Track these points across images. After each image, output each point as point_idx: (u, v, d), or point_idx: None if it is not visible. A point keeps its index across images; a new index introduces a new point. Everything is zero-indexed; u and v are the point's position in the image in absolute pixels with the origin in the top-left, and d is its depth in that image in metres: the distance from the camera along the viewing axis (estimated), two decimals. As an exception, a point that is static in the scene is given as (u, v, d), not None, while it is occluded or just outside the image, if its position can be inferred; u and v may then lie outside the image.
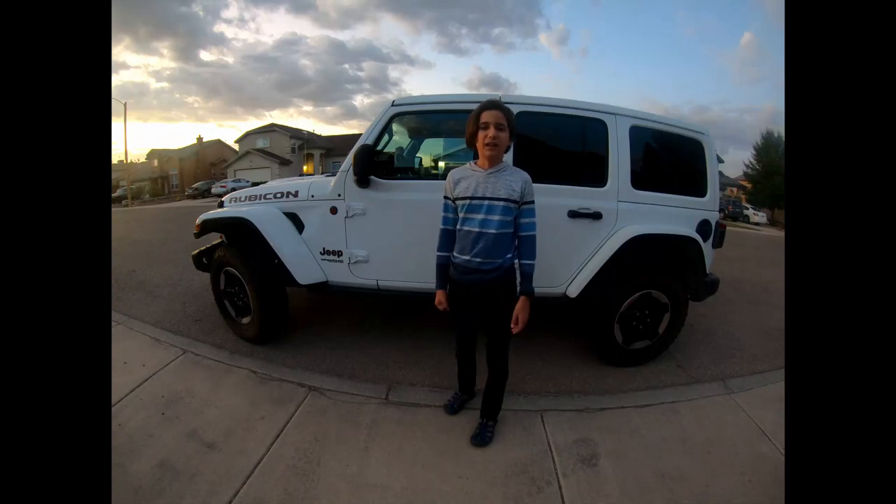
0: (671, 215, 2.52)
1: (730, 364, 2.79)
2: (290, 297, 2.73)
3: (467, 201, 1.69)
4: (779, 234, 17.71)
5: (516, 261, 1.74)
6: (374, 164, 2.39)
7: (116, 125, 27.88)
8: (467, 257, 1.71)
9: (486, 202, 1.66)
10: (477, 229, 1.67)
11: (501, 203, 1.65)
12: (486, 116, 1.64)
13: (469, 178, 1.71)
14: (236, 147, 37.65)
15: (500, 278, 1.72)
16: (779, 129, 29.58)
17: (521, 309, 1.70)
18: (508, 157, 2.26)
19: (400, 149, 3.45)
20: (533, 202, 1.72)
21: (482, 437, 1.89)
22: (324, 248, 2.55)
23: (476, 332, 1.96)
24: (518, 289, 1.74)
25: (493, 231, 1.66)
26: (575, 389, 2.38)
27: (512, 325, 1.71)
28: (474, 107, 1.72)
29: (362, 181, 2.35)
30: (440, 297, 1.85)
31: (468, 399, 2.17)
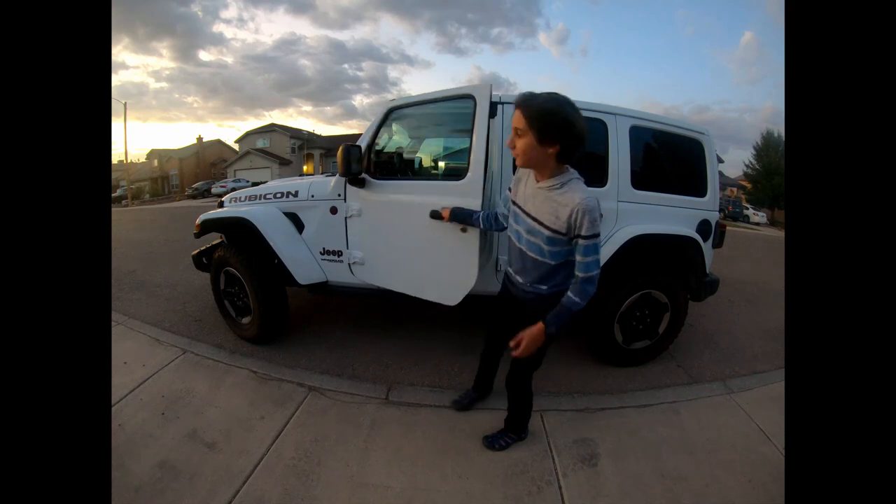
0: (671, 215, 2.52)
1: (730, 364, 2.79)
2: (290, 297, 2.73)
3: (515, 208, 1.49)
4: (779, 234, 17.71)
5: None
6: (363, 163, 2.32)
7: (116, 125, 27.91)
8: (511, 271, 1.58)
9: (529, 220, 1.42)
10: (519, 245, 1.49)
11: (544, 230, 1.38)
12: (513, 119, 1.35)
13: (525, 182, 1.46)
14: (236, 147, 37.65)
15: (534, 301, 1.50)
16: (779, 129, 29.62)
17: (529, 333, 1.41)
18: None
19: (400, 148, 3.44)
20: (593, 236, 1.31)
21: (492, 442, 1.86)
22: (324, 248, 2.55)
23: (504, 341, 1.70)
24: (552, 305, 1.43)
25: (533, 256, 1.44)
26: (575, 389, 2.38)
27: (511, 343, 1.45)
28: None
29: (354, 180, 2.34)
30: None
31: (479, 399, 2.15)
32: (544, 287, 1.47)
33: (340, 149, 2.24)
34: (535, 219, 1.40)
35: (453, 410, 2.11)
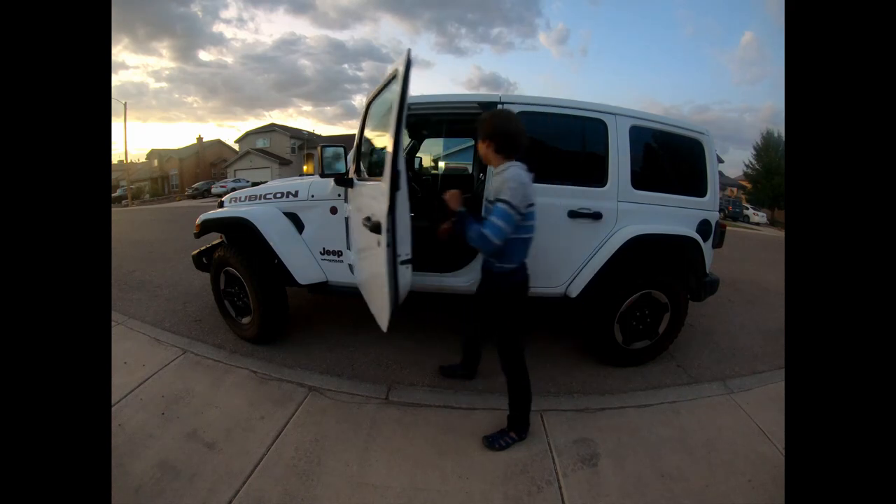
0: (671, 215, 2.52)
1: (730, 364, 2.79)
2: (290, 297, 2.73)
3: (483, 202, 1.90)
4: (779, 234, 17.71)
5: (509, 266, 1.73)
6: (348, 163, 2.30)
7: (116, 125, 27.80)
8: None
9: (487, 204, 1.75)
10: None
11: (489, 204, 1.69)
12: None
13: (489, 179, 1.88)
14: (236, 147, 37.65)
15: (484, 280, 1.88)
16: (779, 129, 29.58)
17: (452, 192, 1.72)
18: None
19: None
20: (502, 202, 1.55)
21: (492, 442, 1.86)
22: (324, 249, 2.55)
23: (478, 320, 2.15)
24: (499, 284, 1.77)
25: None
26: (575, 389, 2.38)
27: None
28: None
29: (341, 181, 2.34)
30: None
31: (463, 376, 2.38)
32: (498, 264, 1.74)
33: (317, 149, 2.25)
34: (489, 200, 1.71)
35: (441, 375, 2.39)
